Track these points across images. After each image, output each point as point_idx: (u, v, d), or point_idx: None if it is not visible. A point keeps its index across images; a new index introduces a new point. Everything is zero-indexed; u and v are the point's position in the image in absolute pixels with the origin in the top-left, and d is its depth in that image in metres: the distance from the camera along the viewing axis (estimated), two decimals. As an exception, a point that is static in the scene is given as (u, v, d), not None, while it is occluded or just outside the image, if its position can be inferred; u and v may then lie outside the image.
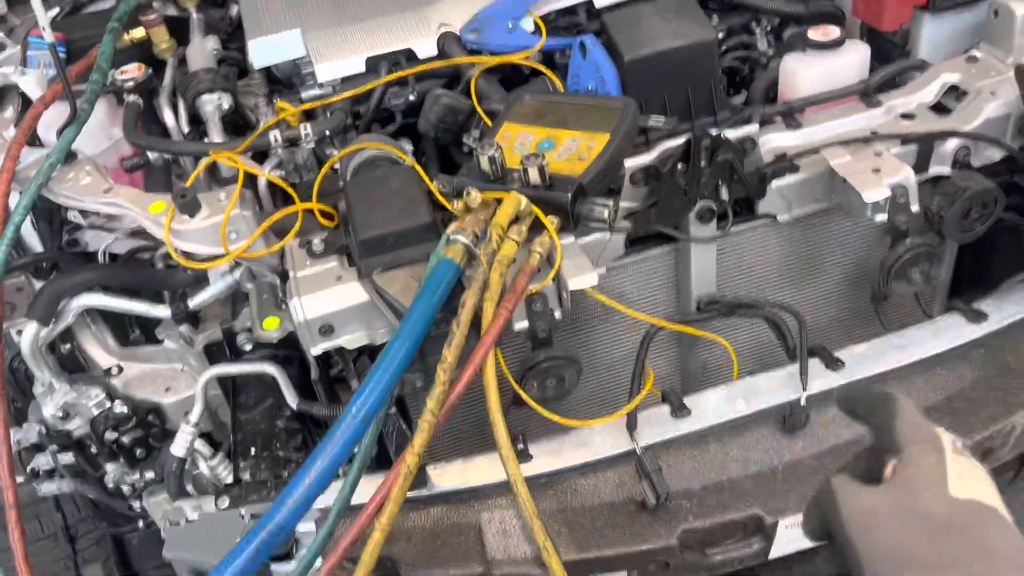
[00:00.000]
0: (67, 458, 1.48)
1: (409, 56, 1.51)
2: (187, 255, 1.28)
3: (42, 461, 1.47)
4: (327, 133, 1.44)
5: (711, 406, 1.26)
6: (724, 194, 1.26)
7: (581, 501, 1.18)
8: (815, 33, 1.48)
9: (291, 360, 1.45)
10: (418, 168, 1.32)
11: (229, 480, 1.47)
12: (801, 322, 1.32)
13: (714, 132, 1.24)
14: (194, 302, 1.45)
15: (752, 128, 1.29)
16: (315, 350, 1.25)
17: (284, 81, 1.66)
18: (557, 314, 1.22)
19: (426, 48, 1.50)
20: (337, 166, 1.45)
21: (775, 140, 1.38)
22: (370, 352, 1.29)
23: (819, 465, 1.20)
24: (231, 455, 1.35)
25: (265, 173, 1.36)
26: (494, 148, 1.22)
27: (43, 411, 1.45)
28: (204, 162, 1.36)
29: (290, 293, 1.25)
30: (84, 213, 1.51)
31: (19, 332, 1.56)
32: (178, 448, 1.36)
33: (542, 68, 1.47)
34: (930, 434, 0.68)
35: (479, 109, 1.44)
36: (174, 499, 1.39)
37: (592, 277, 1.15)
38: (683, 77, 1.47)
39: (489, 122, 1.44)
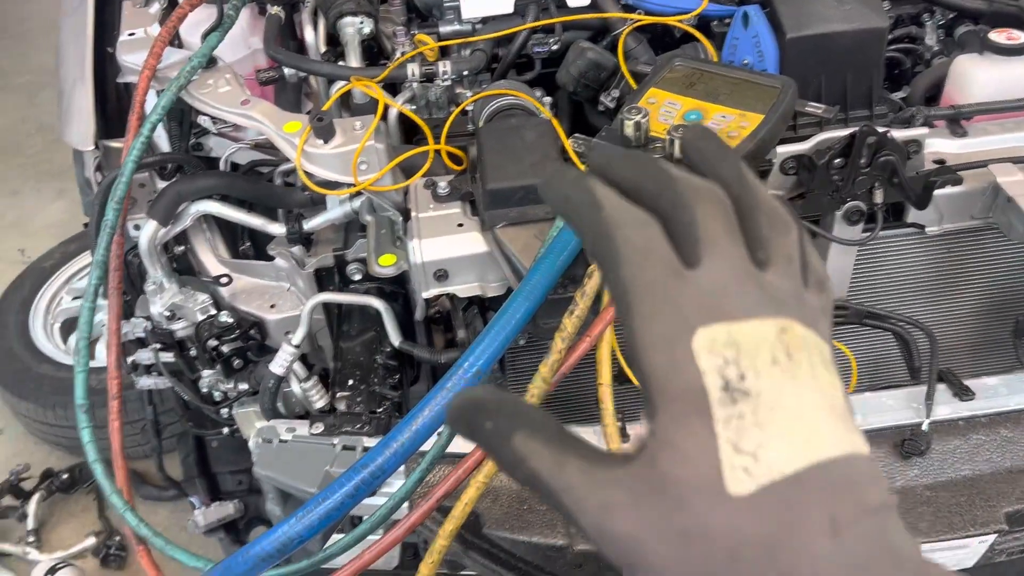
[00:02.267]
0: (167, 357, 1.52)
1: (558, 3, 1.45)
2: (313, 178, 1.27)
3: (143, 356, 1.51)
4: (465, 73, 1.40)
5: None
6: (878, 197, 1.18)
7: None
8: (997, 35, 1.36)
9: (395, 296, 1.44)
10: (555, 123, 1.27)
11: (319, 404, 1.49)
12: (934, 342, 1.24)
13: (881, 130, 1.15)
14: (309, 224, 1.45)
15: (921, 131, 1.20)
16: (427, 293, 1.24)
17: (423, 11, 1.62)
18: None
19: (578, -4, 1.44)
20: (469, 109, 1.42)
21: (935, 145, 1.29)
22: (479, 304, 1.27)
23: (932, 496, 1.13)
24: (330, 382, 1.36)
25: (405, 109, 1.33)
26: (641, 114, 1.16)
27: (151, 308, 1.48)
28: (342, 88, 1.34)
29: (410, 233, 1.23)
30: (214, 120, 1.51)
31: (136, 227, 1.60)
32: (277, 366, 1.37)
33: (697, 34, 1.40)
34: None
35: (624, 68, 1.38)
36: (266, 415, 1.41)
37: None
38: (845, 64, 1.38)
39: (633, 83, 1.38)
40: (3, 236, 3.75)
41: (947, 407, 1.20)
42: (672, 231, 0.44)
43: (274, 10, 1.49)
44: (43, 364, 2.64)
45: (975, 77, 1.36)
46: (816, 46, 1.35)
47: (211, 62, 1.37)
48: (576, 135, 1.28)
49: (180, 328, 1.52)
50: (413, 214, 1.25)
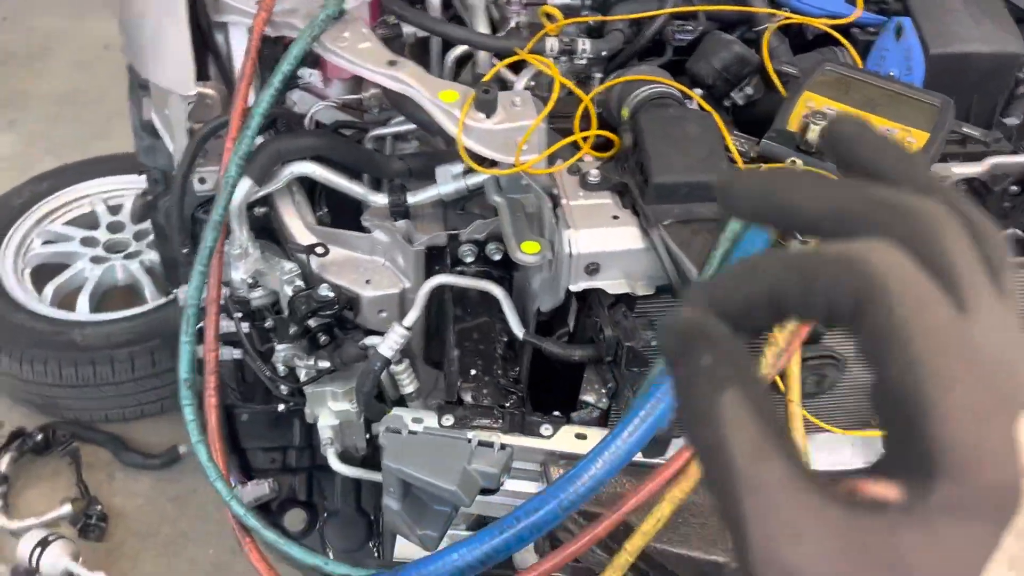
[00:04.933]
0: (244, 326, 1.39)
1: (702, -10, 1.39)
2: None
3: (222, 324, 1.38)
4: (604, 53, 1.33)
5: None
6: (1041, 227, 1.18)
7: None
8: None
9: (502, 281, 1.37)
10: (717, 118, 1.21)
11: (409, 389, 1.40)
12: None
13: (1063, 161, 1.15)
14: (415, 198, 1.35)
15: (1088, 164, 1.20)
16: (576, 287, 1.17)
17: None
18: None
19: (722, -14, 1.38)
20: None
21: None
22: (627, 301, 1.21)
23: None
24: (447, 370, 1.27)
25: (585, 97, 1.24)
26: (826, 119, 1.13)
27: (232, 273, 1.36)
28: (509, 59, 1.25)
29: (563, 222, 1.15)
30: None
31: (202, 180, 1.47)
32: (386, 348, 1.28)
33: (844, 40, 1.36)
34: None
35: (770, 67, 1.33)
36: (362, 398, 1.32)
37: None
38: (976, 85, 1.38)
39: (778, 82, 1.33)
40: (-55, 166, 3.43)
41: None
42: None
43: (392, -38, 1.38)
44: (16, 313, 2.42)
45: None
46: (954, 64, 1.34)
47: (340, 12, 1.25)
48: (737, 133, 1.23)
49: (258, 297, 1.40)
50: (564, 201, 1.17)
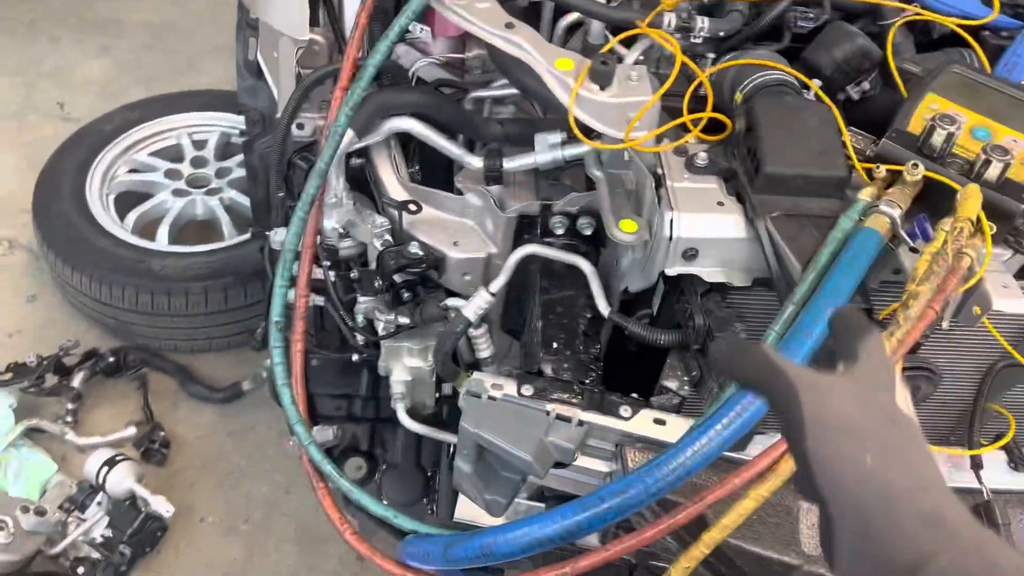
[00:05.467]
0: (332, 275, 1.40)
1: (827, -23, 1.34)
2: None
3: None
4: (721, 34, 1.29)
5: (1052, 469, 1.16)
6: None
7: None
8: None
9: (589, 256, 1.35)
10: (836, 111, 1.17)
11: (485, 354, 1.40)
12: None
13: None
14: (511, 164, 1.34)
15: None
16: (672, 270, 1.15)
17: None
18: (945, 324, 1.10)
19: (852, -25, 1.33)
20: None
21: None
22: (720, 290, 1.18)
23: None
24: (526, 340, 1.27)
25: (702, 75, 1.21)
26: (955, 125, 1.08)
27: (324, 222, 1.37)
28: (625, 33, 1.22)
29: (666, 203, 1.13)
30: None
31: (299, 126, 1.47)
32: (470, 311, 1.27)
33: (973, 42, 1.30)
34: (887, 358, 0.68)
35: (892, 62, 1.28)
36: (441, 359, 1.32)
37: (1023, 303, 1.03)
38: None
39: (899, 80, 1.28)
40: (40, 84, 3.51)
41: None
42: None
43: (513, -77, 1.35)
44: (101, 238, 2.48)
45: None
46: (1091, 78, 1.27)
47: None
48: (855, 129, 1.19)
49: (346, 247, 1.41)
50: (668, 182, 1.15)
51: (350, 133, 1.29)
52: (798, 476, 0.61)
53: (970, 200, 1.00)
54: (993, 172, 1.05)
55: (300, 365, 1.18)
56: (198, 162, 2.85)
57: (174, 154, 2.85)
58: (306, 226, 1.21)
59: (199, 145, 2.88)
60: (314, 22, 1.43)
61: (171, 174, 2.79)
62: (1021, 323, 1.35)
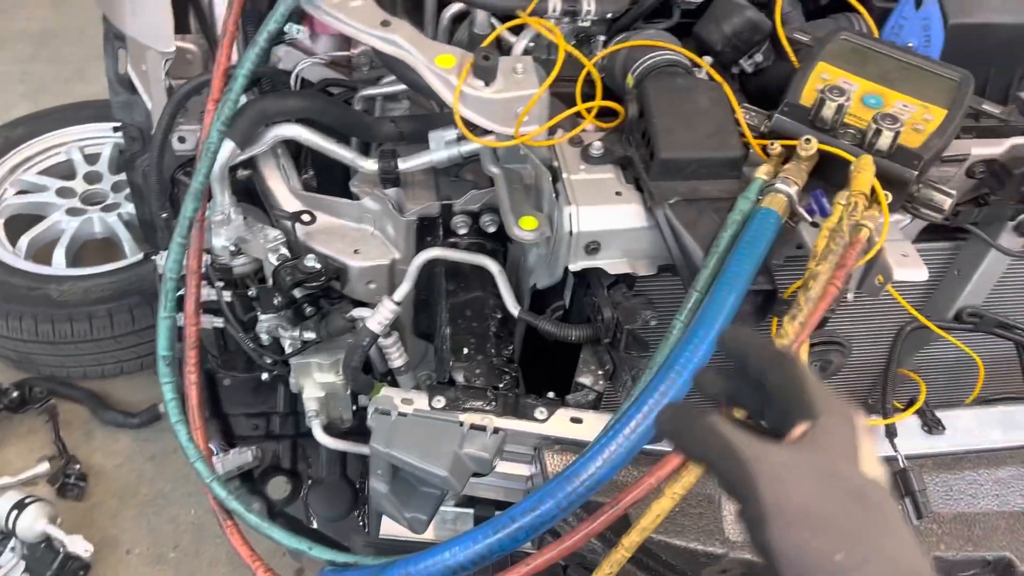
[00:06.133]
0: (226, 295, 1.34)
1: (711, -50, 1.32)
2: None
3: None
4: (609, 15, 1.26)
5: (964, 427, 1.18)
6: (1058, 211, 1.14)
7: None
8: None
9: (496, 255, 1.31)
10: (728, 89, 1.15)
11: (397, 363, 1.35)
12: (1067, 360, 1.23)
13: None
14: (407, 164, 1.29)
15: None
16: (575, 266, 1.12)
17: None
18: (850, 296, 1.09)
19: (735, -54, 1.30)
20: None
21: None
22: (627, 282, 1.16)
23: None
24: (437, 347, 1.22)
25: (590, 64, 1.17)
26: (844, 96, 1.07)
27: (213, 240, 1.30)
28: (510, 22, 1.17)
29: (563, 198, 1.10)
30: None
31: (181, 139, 1.40)
32: (375, 323, 1.23)
33: (860, 7, 1.29)
34: (844, 407, 0.65)
35: (782, 34, 1.26)
36: (350, 373, 1.27)
37: (923, 271, 1.03)
38: (996, 57, 1.32)
39: (790, 50, 1.27)
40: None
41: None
42: None
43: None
44: (-8, 267, 2.34)
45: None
46: (975, 35, 1.28)
47: (328, -34, 1.17)
48: (748, 106, 1.17)
49: (240, 264, 1.35)
50: (564, 176, 1.12)
51: (230, 145, 1.22)
52: (762, 564, 0.57)
53: (863, 173, 0.99)
54: (884, 141, 1.04)
55: (196, 398, 1.12)
56: (92, 177, 2.71)
57: (65, 171, 2.71)
58: (188, 250, 1.14)
59: (92, 159, 2.74)
60: (184, 29, 1.35)
61: (63, 192, 2.65)
62: (926, 286, 1.37)
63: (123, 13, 1.26)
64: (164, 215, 1.36)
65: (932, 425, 1.17)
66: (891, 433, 1.13)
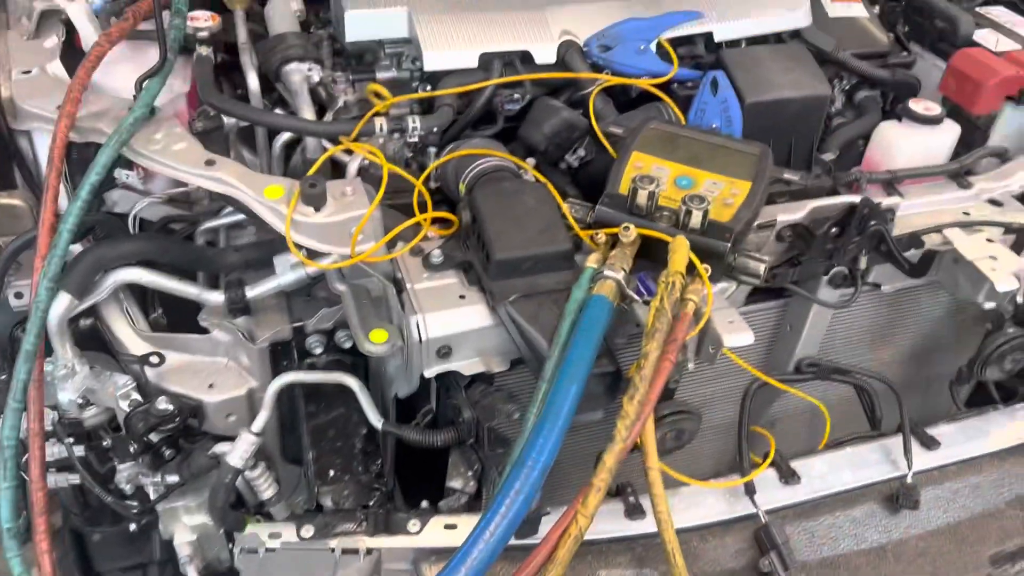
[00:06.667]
0: (79, 450, 1.28)
1: (524, 59, 1.41)
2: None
3: (52, 452, 1.26)
4: (435, 129, 1.32)
5: (818, 473, 1.24)
6: (863, 263, 1.24)
7: (702, 567, 1.12)
8: (916, 106, 1.48)
9: (356, 369, 1.32)
10: (551, 187, 1.22)
11: (267, 494, 1.32)
12: (900, 396, 1.32)
13: (875, 201, 1.21)
14: (254, 292, 1.29)
15: (895, 200, 1.28)
16: (429, 372, 1.14)
17: (353, 55, 1.51)
18: (691, 366, 1.16)
19: (544, 53, 1.40)
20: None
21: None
22: (485, 379, 1.18)
23: (925, 547, 1.20)
24: (305, 472, 1.21)
25: (417, 182, 1.22)
26: (655, 184, 1.15)
27: (59, 395, 1.25)
28: (334, 149, 1.21)
29: (409, 307, 1.12)
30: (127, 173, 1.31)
31: (18, 295, 1.36)
32: (236, 458, 1.20)
33: (665, 97, 1.41)
34: None
35: (598, 130, 1.36)
36: (217, 513, 1.23)
37: (748, 336, 1.10)
38: (792, 127, 1.46)
39: (607, 143, 1.36)
40: None
41: (920, 458, 1.28)
42: None
43: (204, 51, 1.33)
44: None
45: (899, 144, 1.47)
46: (770, 110, 1.41)
47: (151, 111, 1.18)
48: (572, 200, 1.24)
49: (91, 416, 1.30)
50: (408, 286, 1.15)
51: (67, 298, 1.19)
52: None
53: (677, 253, 1.07)
54: (696, 219, 1.13)
55: (49, 566, 1.06)
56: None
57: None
58: (26, 413, 1.09)
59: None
60: (10, 185, 1.33)
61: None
62: (766, 343, 1.46)
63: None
64: (2, 377, 1.30)
65: (788, 476, 1.23)
66: (750, 490, 1.18)
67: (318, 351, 1.29)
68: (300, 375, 1.23)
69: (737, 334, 1.10)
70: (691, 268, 1.10)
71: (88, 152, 1.30)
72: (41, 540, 1.07)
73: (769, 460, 1.20)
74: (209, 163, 1.11)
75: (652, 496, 1.00)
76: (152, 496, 1.34)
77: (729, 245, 1.12)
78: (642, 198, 1.14)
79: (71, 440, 1.26)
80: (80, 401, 1.27)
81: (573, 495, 0.96)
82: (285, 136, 1.34)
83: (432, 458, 1.29)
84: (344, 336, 1.31)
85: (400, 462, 1.31)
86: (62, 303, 1.19)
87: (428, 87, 1.44)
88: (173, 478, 1.32)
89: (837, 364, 1.37)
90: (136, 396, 1.27)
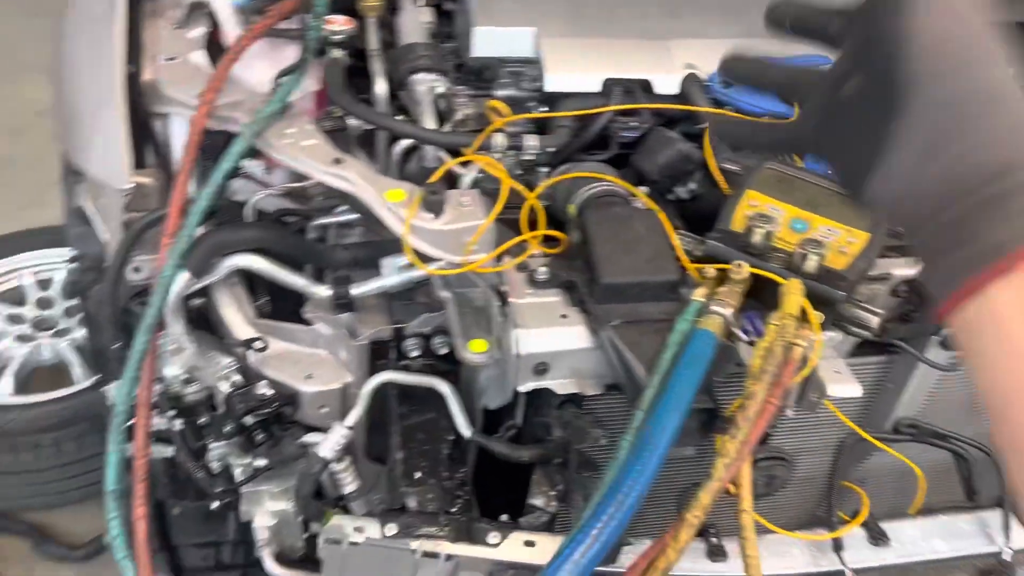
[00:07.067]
0: (177, 424, 1.33)
1: (644, 87, 1.41)
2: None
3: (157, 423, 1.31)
4: (551, 150, 1.34)
5: (909, 538, 1.20)
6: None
7: (783, 618, 1.10)
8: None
9: (449, 376, 1.34)
10: (662, 216, 1.22)
11: (349, 489, 1.35)
12: (1000, 468, 1.27)
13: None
14: (359, 290, 1.32)
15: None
16: (523, 387, 1.15)
17: (472, 71, 1.54)
18: (790, 412, 1.13)
19: (665, 84, 1.41)
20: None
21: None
22: (575, 402, 1.19)
23: (1019, 629, 1.15)
24: (389, 471, 1.23)
25: (532, 197, 1.24)
26: (772, 223, 1.14)
27: (166, 370, 1.30)
28: (457, 159, 1.24)
29: (511, 321, 1.14)
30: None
31: (136, 270, 1.42)
32: (327, 450, 1.23)
33: (783, 138, 1.39)
34: None
35: (713, 165, 1.35)
36: (302, 502, 1.26)
37: (856, 388, 1.08)
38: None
39: (721, 179, 1.35)
40: None
41: (1020, 535, 1.23)
42: None
43: (338, 54, 1.37)
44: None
45: None
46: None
47: (284, 108, 1.23)
48: (683, 232, 1.24)
49: (192, 393, 1.35)
50: (512, 300, 1.16)
51: (185, 276, 1.24)
52: (877, 50, 0.55)
53: (791, 296, 1.05)
54: (811, 264, 1.11)
55: (144, 534, 1.10)
56: (44, 303, 2.69)
57: (16, 297, 2.69)
58: (139, 383, 1.14)
59: (44, 284, 2.73)
60: (142, 163, 1.39)
61: (13, 319, 2.63)
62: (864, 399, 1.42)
63: (81, 151, 1.31)
64: (116, 345, 1.36)
65: (878, 537, 1.20)
66: (838, 547, 1.15)
67: (414, 354, 1.31)
68: (397, 375, 1.25)
69: (843, 385, 1.08)
70: (800, 314, 1.08)
71: (217, 139, 1.36)
72: (139, 506, 1.11)
73: (862, 518, 1.17)
74: (337, 161, 1.15)
75: (743, 539, 0.98)
76: (238, 477, 1.38)
77: (843, 294, 1.10)
78: (758, 236, 1.13)
79: (173, 413, 1.31)
80: (184, 377, 1.32)
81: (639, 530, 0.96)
82: (405, 143, 1.37)
83: (505, 473, 1.30)
84: (440, 342, 1.33)
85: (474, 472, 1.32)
86: (180, 281, 1.25)
87: (544, 108, 1.46)
88: (261, 462, 1.35)
89: (936, 428, 1.33)
90: (237, 378, 1.31)
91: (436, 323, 1.32)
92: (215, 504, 1.51)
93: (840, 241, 1.19)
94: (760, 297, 1.14)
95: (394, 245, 1.35)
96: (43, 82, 4.18)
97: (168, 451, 1.39)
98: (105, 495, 1.11)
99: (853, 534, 1.19)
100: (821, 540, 1.16)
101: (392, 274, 1.31)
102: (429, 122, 1.34)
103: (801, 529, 1.18)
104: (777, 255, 1.15)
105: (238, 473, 1.36)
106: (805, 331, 1.09)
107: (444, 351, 1.33)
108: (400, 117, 1.42)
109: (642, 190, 1.30)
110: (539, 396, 1.20)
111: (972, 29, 0.55)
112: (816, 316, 1.09)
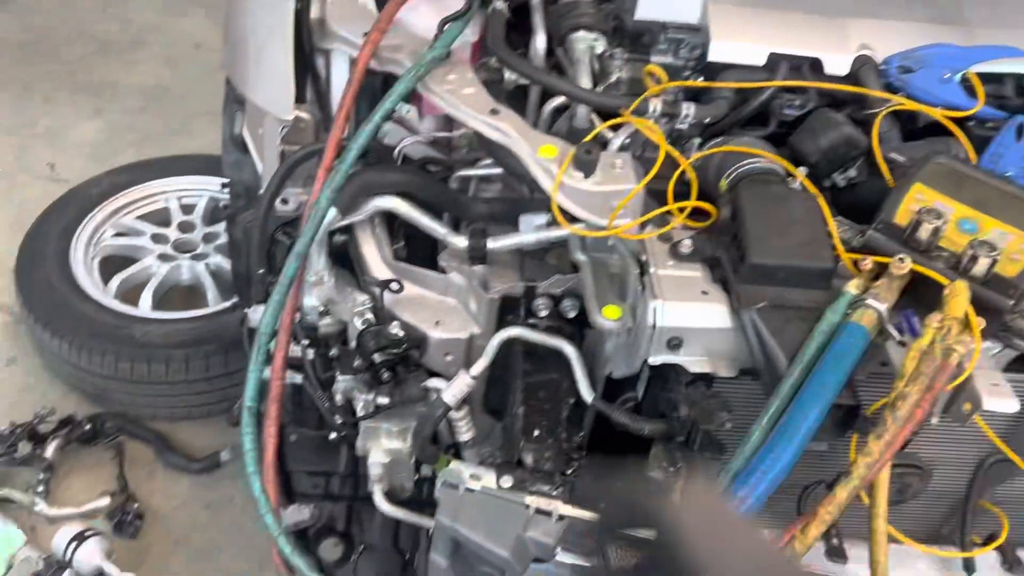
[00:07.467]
0: (310, 353, 1.37)
1: (814, 66, 1.35)
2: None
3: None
4: (707, 120, 1.29)
5: (1048, 570, 1.13)
6: None
7: (900, 631, 1.05)
8: None
9: (573, 339, 1.33)
10: (822, 201, 1.17)
11: (465, 437, 1.36)
12: None
13: None
14: (496, 244, 1.32)
15: None
16: (655, 360, 1.12)
17: (632, 34, 1.50)
18: (934, 420, 1.07)
19: (836, 64, 1.34)
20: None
21: None
22: (706, 380, 1.16)
23: None
24: (508, 426, 1.24)
25: (685, 162, 1.20)
26: (942, 219, 1.07)
27: (304, 300, 1.34)
28: (613, 120, 1.22)
29: (650, 290, 1.11)
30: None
31: (283, 201, 1.46)
32: (450, 396, 1.25)
33: (959, 133, 1.30)
34: None
35: (878, 153, 1.28)
36: (420, 444, 1.28)
37: (1013, 403, 1.01)
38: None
39: (885, 168, 1.28)
40: (32, 145, 3.51)
41: None
42: None
43: (500, 5, 1.36)
44: (85, 303, 2.45)
45: None
46: (1076, 171, 1.27)
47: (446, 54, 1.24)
48: (841, 218, 1.18)
49: (327, 325, 1.39)
50: (652, 270, 1.13)
51: (333, 211, 1.27)
52: None
53: (957, 298, 0.99)
54: (980, 268, 1.04)
55: (272, 451, 1.15)
56: (185, 226, 2.84)
57: (161, 218, 2.84)
58: (284, 307, 1.18)
59: (187, 209, 2.87)
60: (301, 99, 1.43)
61: (157, 238, 2.78)
62: (1012, 419, 1.33)
63: (247, 79, 1.35)
64: (261, 271, 1.42)
65: (1013, 564, 1.13)
66: (969, 567, 1.09)
67: (543, 313, 1.31)
68: (524, 331, 1.25)
69: (1000, 399, 1.01)
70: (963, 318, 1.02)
71: (372, 81, 1.38)
72: (271, 425, 1.16)
73: (1000, 541, 1.10)
74: (494, 112, 1.14)
75: (873, 543, 0.94)
76: (360, 412, 1.41)
77: (1012, 303, 1.03)
78: (924, 232, 1.07)
79: (306, 342, 1.36)
80: (321, 309, 1.36)
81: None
82: (556, 101, 1.36)
83: (613, 443, 1.29)
84: (569, 305, 1.32)
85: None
86: (329, 215, 1.28)
87: (700, 78, 1.42)
88: (384, 400, 1.38)
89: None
90: (370, 316, 1.34)
91: (567, 285, 1.31)
92: (333, 435, 1.56)
93: (1012, 247, 1.11)
94: (917, 296, 1.08)
95: (533, 203, 1.35)
96: (203, 16, 4.35)
97: (296, 378, 1.43)
98: (242, 411, 1.15)
99: (986, 557, 1.13)
100: (951, 557, 1.10)
101: (529, 232, 1.31)
102: (585, 81, 1.32)
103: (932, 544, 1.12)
104: (941, 254, 1.08)
105: (360, 408, 1.40)
106: (964, 337, 1.02)
107: (572, 314, 1.32)
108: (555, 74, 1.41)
109: (802, 171, 1.24)
110: (666, 371, 1.17)
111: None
112: (978, 322, 1.03)
